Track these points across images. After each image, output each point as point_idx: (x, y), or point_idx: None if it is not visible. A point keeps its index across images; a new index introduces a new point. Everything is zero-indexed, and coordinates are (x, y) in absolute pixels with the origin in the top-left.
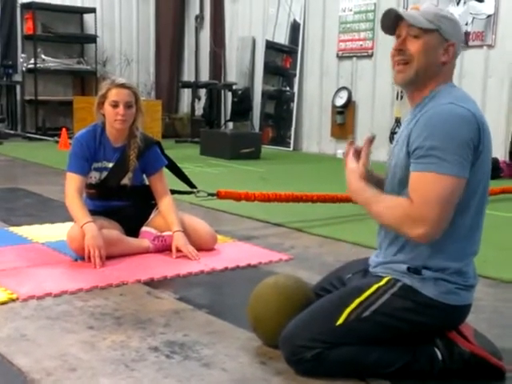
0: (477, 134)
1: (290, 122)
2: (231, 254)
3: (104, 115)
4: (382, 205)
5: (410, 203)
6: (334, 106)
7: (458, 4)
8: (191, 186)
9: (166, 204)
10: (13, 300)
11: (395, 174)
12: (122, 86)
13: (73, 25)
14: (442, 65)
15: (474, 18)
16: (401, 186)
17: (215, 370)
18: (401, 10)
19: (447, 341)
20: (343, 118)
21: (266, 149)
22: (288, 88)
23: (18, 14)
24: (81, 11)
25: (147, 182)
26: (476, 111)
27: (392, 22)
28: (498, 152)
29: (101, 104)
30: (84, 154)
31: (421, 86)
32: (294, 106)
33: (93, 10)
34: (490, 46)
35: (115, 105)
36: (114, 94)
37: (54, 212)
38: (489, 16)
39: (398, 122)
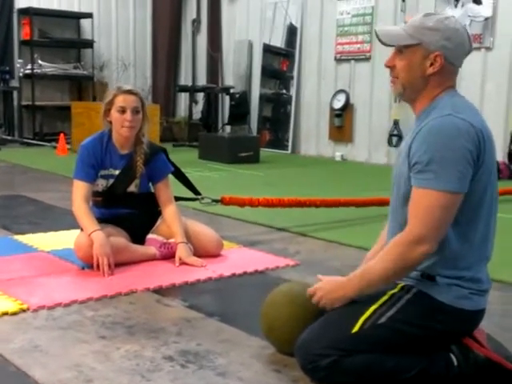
0: (476, 145)
1: (288, 124)
2: (238, 259)
3: (111, 122)
4: (378, 265)
5: (404, 233)
6: (331, 109)
7: (455, 6)
8: (196, 192)
9: (170, 213)
10: (23, 310)
11: (399, 187)
12: (129, 92)
13: (70, 30)
14: (429, 77)
15: (471, 20)
16: (405, 200)
17: (231, 380)
18: (385, 27)
19: (462, 346)
20: (341, 120)
21: (264, 152)
22: (285, 91)
23: (14, 20)
24: (77, 16)
25: (153, 190)
26: (475, 121)
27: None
28: (497, 154)
29: (107, 111)
30: (91, 161)
31: (414, 98)
32: (292, 108)
33: (89, 15)
34: (488, 49)
35: (122, 111)
36: (120, 100)
37: (57, 219)
38: (487, 18)
39: (396, 124)
